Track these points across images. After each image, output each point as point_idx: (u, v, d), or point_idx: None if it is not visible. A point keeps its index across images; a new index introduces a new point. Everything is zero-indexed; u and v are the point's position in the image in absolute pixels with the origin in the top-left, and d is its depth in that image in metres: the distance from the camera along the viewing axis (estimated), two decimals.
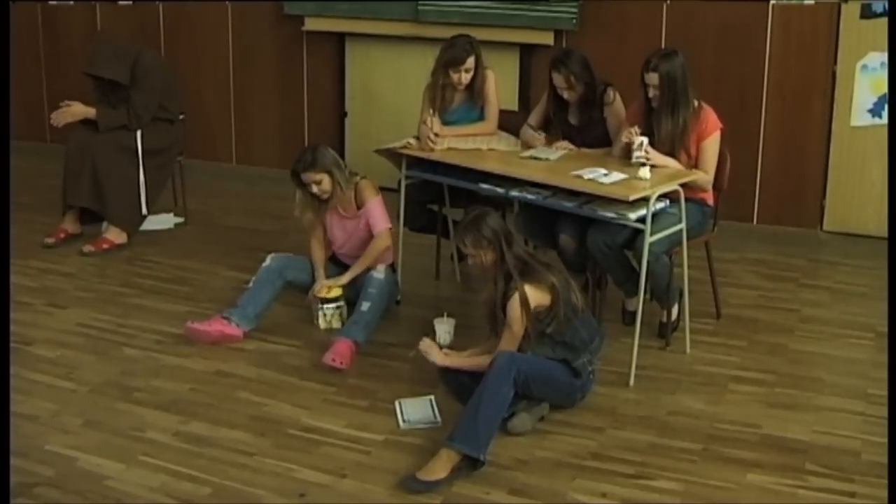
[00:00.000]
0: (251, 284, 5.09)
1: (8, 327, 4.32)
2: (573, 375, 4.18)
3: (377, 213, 5.10)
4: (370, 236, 5.10)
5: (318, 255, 5.22)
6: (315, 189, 5.01)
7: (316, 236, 5.24)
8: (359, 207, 5.13)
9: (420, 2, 6.94)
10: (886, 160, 6.16)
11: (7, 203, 5.13)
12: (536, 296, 4.09)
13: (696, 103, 4.87)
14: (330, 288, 5.03)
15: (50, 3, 8.36)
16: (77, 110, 6.26)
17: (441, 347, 4.50)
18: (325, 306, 5.04)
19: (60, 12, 8.34)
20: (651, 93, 4.84)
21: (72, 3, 8.27)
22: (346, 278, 5.07)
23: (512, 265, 4.11)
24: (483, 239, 4.13)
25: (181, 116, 6.57)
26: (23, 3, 8.17)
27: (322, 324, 5.07)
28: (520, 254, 4.17)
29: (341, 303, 5.05)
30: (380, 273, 5.00)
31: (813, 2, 6.20)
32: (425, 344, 4.30)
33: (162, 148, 6.45)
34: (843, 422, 4.22)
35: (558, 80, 5.15)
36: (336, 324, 5.04)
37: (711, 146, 4.88)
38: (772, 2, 6.28)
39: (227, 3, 7.72)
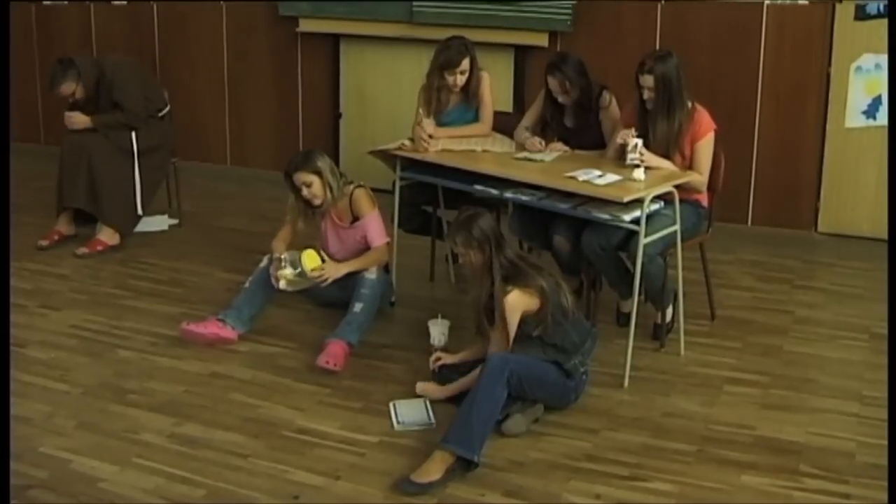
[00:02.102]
0: (247, 285, 5.07)
1: (8, 333, 4.32)
2: (566, 377, 4.19)
3: (375, 228, 5.07)
4: (365, 248, 5.07)
5: (281, 247, 5.06)
6: (305, 192, 4.97)
7: (283, 236, 5.13)
8: (355, 217, 5.09)
9: (414, 3, 6.94)
10: (881, 162, 6.18)
11: (7, 209, 5.14)
12: (525, 299, 4.09)
13: (689, 104, 4.87)
14: (323, 262, 4.91)
15: (44, 3, 8.35)
16: (79, 120, 6.28)
17: (436, 349, 4.52)
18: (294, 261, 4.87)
19: (54, 13, 8.34)
20: (646, 95, 4.84)
21: (66, 2, 8.26)
22: (342, 270, 4.94)
23: (499, 268, 4.12)
24: (473, 239, 4.14)
25: (167, 109, 6.55)
26: (17, 3, 8.15)
27: (281, 272, 4.85)
28: (510, 256, 4.18)
29: (299, 274, 4.86)
30: (372, 274, 4.97)
31: (807, 2, 6.21)
32: (420, 387, 4.36)
33: (155, 146, 6.44)
34: (837, 423, 4.23)
35: (553, 84, 5.15)
36: (283, 283, 4.86)
37: (705, 147, 4.87)
38: (766, 2, 6.29)
39: (221, 3, 7.71)
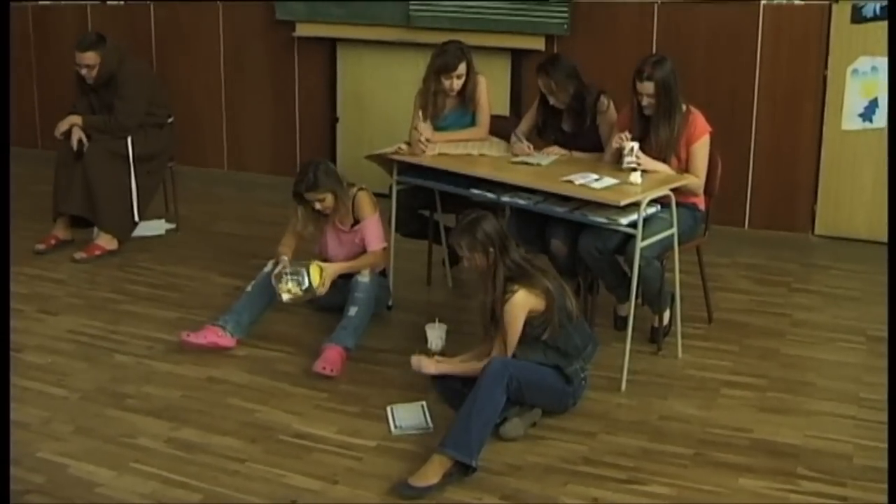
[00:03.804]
0: (249, 289, 5.06)
1: (8, 338, 4.31)
2: (565, 382, 4.19)
3: (373, 232, 5.08)
4: (362, 249, 5.09)
5: (287, 253, 5.09)
6: (318, 206, 4.99)
7: (288, 242, 5.14)
8: (356, 220, 5.10)
9: (411, 7, 6.95)
10: (877, 164, 6.18)
11: (7, 215, 5.10)
12: (531, 301, 4.09)
13: (684, 107, 4.88)
14: (321, 272, 4.93)
15: (41, 3, 8.34)
16: (68, 119, 6.28)
17: (433, 354, 4.52)
18: (300, 277, 4.89)
19: (51, 13, 8.33)
20: (645, 101, 4.83)
21: (63, 3, 8.26)
22: (336, 269, 4.98)
23: (504, 270, 4.11)
24: (477, 243, 4.13)
25: (170, 120, 6.56)
26: (14, 4, 8.12)
27: (283, 285, 4.88)
28: (515, 259, 4.17)
29: (306, 290, 4.90)
30: (365, 277, 4.98)
31: (802, 1, 6.21)
32: (415, 359, 4.32)
33: (153, 153, 6.44)
34: (834, 426, 4.23)
35: (541, 85, 5.19)
36: (286, 297, 4.88)
37: (701, 150, 4.88)
38: (763, 2, 6.28)
39: (218, 3, 7.69)
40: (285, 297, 4.90)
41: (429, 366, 4.29)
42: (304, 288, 4.88)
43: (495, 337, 4.22)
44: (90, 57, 6.13)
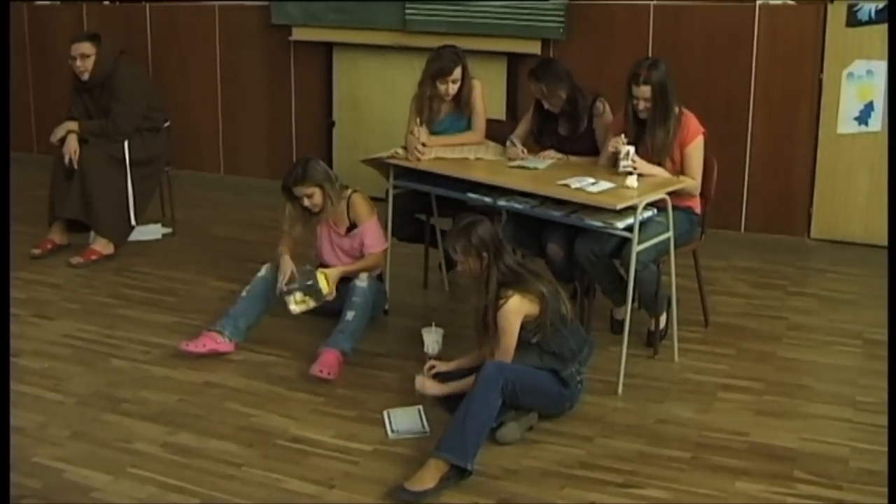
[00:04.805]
0: (244, 294, 5.06)
1: (8, 344, 4.30)
2: (561, 385, 4.19)
3: (374, 235, 5.10)
4: (360, 254, 5.10)
5: (286, 256, 5.10)
6: (307, 202, 4.99)
7: (286, 242, 5.14)
8: (351, 222, 5.10)
9: (407, 11, 6.95)
10: (873, 167, 6.19)
11: (7, 222, 5.07)
12: (524, 306, 4.09)
13: (676, 109, 4.87)
14: (327, 278, 4.94)
15: (36, 3, 8.33)
16: (65, 125, 6.27)
17: (429, 357, 4.51)
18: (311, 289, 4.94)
19: (47, 13, 8.31)
20: (641, 105, 4.82)
21: (59, 3, 8.25)
22: (340, 271, 5.00)
23: (498, 275, 4.11)
24: (472, 247, 4.14)
25: (166, 124, 6.57)
26: (11, 4, 8.11)
27: (294, 298, 4.92)
28: (510, 263, 4.18)
29: (316, 299, 4.94)
30: (362, 281, 4.98)
31: (794, 2, 6.20)
32: (419, 380, 4.31)
33: (149, 158, 6.44)
34: (831, 429, 4.23)
35: (534, 90, 5.20)
36: (296, 308, 4.91)
37: (696, 151, 4.88)
38: (758, 2, 6.28)
39: (214, 3, 7.68)
40: (297, 308, 4.91)
41: (433, 388, 4.29)
42: (316, 299, 4.90)
43: (489, 342, 4.21)
44: (85, 47, 6.15)
